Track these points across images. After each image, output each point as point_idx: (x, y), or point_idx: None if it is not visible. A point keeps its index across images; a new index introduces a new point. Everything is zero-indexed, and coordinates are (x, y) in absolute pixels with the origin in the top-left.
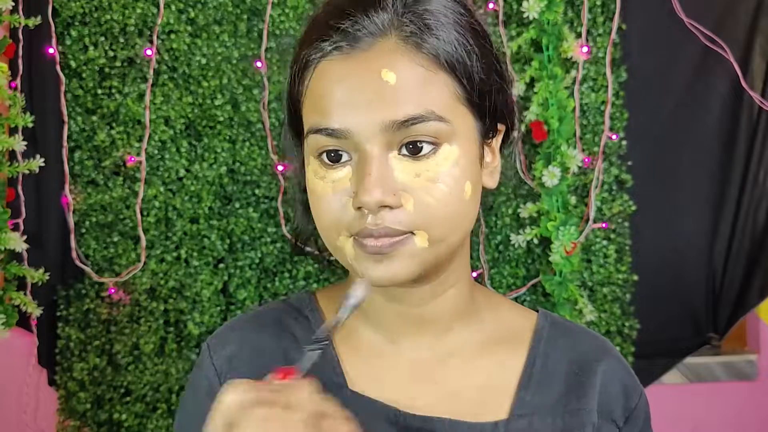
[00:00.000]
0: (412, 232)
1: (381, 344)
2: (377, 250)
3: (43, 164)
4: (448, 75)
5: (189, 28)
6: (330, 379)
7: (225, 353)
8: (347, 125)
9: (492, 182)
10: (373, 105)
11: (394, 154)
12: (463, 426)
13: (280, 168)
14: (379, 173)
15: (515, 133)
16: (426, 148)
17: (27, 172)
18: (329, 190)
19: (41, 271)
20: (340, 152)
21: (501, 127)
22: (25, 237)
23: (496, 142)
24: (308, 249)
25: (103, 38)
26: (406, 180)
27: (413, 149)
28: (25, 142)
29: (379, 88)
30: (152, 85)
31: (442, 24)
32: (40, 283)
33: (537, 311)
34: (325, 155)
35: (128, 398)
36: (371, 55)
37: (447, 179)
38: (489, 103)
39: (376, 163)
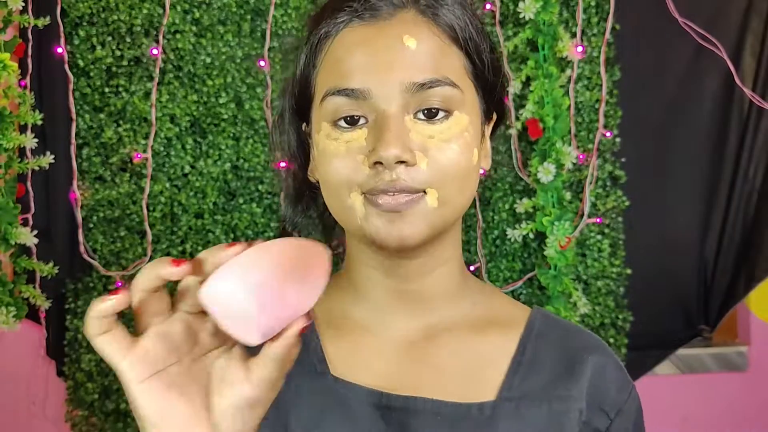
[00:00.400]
0: (425, 191)
1: (371, 323)
2: (392, 207)
3: (52, 161)
4: (459, 50)
5: (194, 28)
6: (313, 366)
7: None
8: (368, 85)
9: (486, 164)
10: (394, 66)
11: (410, 117)
12: (447, 406)
13: (282, 165)
14: (397, 130)
15: (511, 130)
16: (440, 114)
17: (37, 168)
18: (342, 149)
19: (50, 264)
20: (356, 117)
21: (494, 115)
22: (34, 232)
23: (488, 129)
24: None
25: (110, 38)
26: (421, 140)
27: (428, 113)
28: (36, 139)
29: (401, 52)
30: (158, 84)
31: (453, 5)
32: (49, 277)
33: (531, 308)
34: (342, 121)
35: None
36: (393, 23)
37: (459, 141)
38: (492, 84)
39: (395, 121)
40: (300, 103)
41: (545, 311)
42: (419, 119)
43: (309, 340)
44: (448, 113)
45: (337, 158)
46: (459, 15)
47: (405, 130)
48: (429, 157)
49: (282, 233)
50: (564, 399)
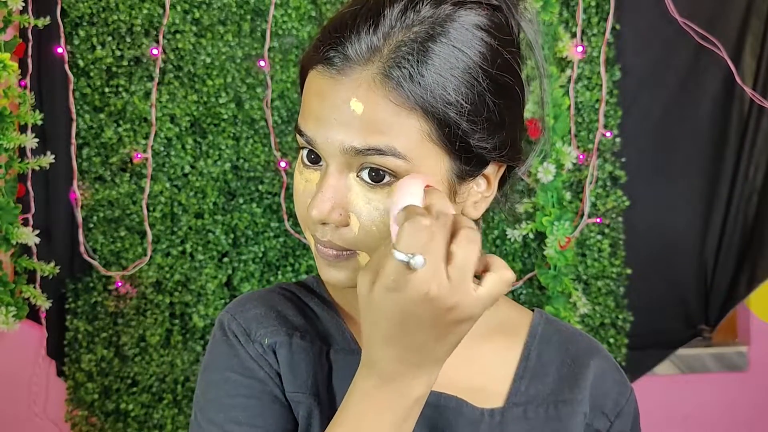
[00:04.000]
0: (357, 251)
1: None
2: (324, 256)
3: (53, 161)
4: (421, 116)
5: (194, 28)
6: (347, 343)
7: (250, 315)
8: (315, 138)
9: (476, 213)
10: (338, 128)
11: (354, 176)
12: (467, 407)
13: (282, 164)
14: (330, 191)
15: (521, 168)
16: (386, 178)
17: (37, 168)
18: (301, 189)
19: (51, 264)
20: (318, 155)
21: (498, 163)
22: (35, 232)
23: (495, 173)
24: None
25: (110, 38)
26: (358, 203)
27: (375, 176)
28: (37, 139)
29: (345, 115)
30: (158, 84)
31: (432, 68)
32: (50, 277)
33: (533, 311)
34: (305, 153)
35: (135, 389)
36: (346, 82)
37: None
38: (470, 146)
39: (332, 181)
40: None
41: (547, 315)
42: (363, 179)
43: (340, 325)
44: (393, 179)
45: (297, 196)
46: (430, 84)
47: (343, 190)
48: (361, 221)
49: None
50: (569, 403)
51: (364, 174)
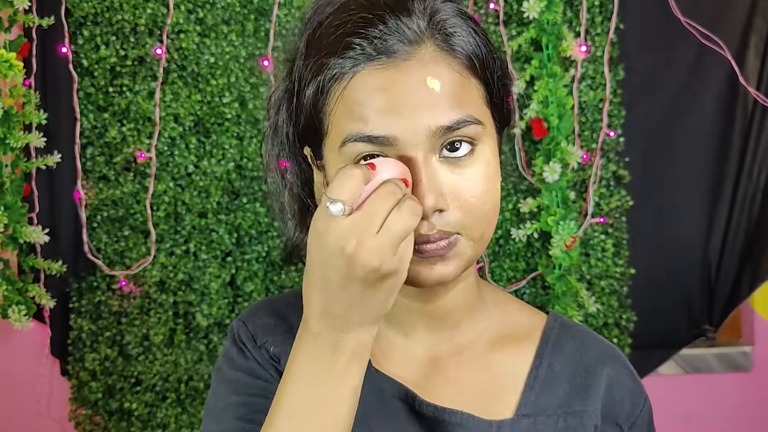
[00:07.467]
0: (459, 233)
1: (393, 337)
2: (435, 253)
3: (59, 160)
4: (477, 79)
5: (198, 27)
6: None
7: (259, 323)
8: (393, 132)
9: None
10: (421, 112)
11: (436, 158)
12: (473, 421)
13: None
14: (428, 179)
15: (515, 129)
16: (464, 148)
17: (42, 167)
18: None
19: (59, 263)
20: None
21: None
22: (46, 231)
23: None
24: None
25: (114, 38)
26: (450, 182)
27: (451, 148)
28: (44, 138)
29: (426, 96)
30: (162, 84)
31: (463, 31)
32: (52, 275)
33: (547, 313)
34: (362, 161)
35: (138, 388)
36: (412, 65)
37: (484, 179)
38: (504, 102)
39: (426, 169)
40: (305, 132)
41: (562, 318)
42: (444, 156)
43: None
44: (473, 146)
45: None
46: (472, 43)
47: (435, 174)
48: (460, 199)
49: (288, 255)
50: (579, 414)
51: (444, 151)
